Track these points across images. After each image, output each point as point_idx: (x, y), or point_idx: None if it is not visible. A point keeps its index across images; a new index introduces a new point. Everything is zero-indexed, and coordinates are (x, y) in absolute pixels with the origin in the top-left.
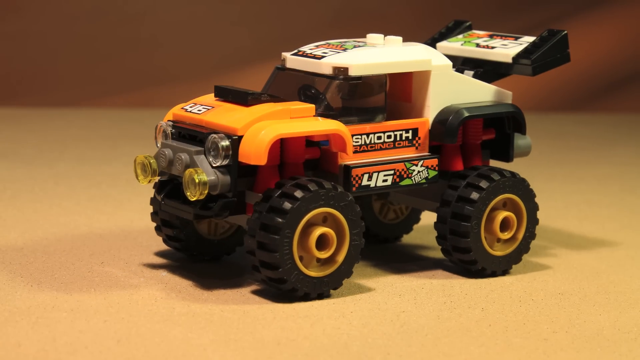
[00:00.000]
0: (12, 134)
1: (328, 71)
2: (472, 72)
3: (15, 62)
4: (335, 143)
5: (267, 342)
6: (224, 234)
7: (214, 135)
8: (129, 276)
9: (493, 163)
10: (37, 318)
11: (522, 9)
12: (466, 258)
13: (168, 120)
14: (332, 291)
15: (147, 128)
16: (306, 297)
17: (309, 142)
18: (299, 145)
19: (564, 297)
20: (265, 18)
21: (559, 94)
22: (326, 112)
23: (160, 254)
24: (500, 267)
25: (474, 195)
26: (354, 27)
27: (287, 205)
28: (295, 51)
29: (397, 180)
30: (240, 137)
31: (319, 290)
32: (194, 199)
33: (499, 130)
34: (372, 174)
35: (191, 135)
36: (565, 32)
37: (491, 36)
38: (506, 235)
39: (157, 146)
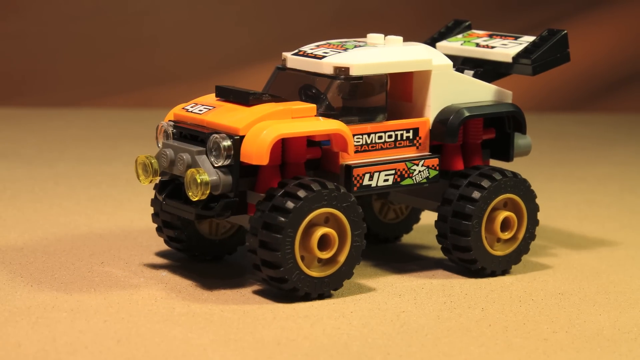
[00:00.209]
0: (12, 134)
1: (329, 71)
2: (472, 72)
3: (15, 62)
4: (337, 143)
5: (267, 342)
6: (225, 234)
7: (216, 135)
8: (129, 276)
9: (493, 162)
10: (37, 318)
11: (522, 9)
12: (466, 257)
13: (169, 121)
14: (332, 291)
15: (147, 128)
16: (307, 297)
17: (310, 142)
18: (301, 145)
19: (564, 297)
20: (265, 18)
21: (559, 94)
22: (327, 112)
23: (160, 254)
24: (500, 267)
25: (476, 194)
26: (354, 27)
27: (290, 204)
28: (296, 51)
29: (398, 180)
30: (242, 137)
31: (320, 290)
32: (196, 199)
33: (499, 129)
34: (373, 174)
35: (192, 135)
36: (565, 31)
37: (491, 36)
38: (506, 235)
39: (158, 146)
